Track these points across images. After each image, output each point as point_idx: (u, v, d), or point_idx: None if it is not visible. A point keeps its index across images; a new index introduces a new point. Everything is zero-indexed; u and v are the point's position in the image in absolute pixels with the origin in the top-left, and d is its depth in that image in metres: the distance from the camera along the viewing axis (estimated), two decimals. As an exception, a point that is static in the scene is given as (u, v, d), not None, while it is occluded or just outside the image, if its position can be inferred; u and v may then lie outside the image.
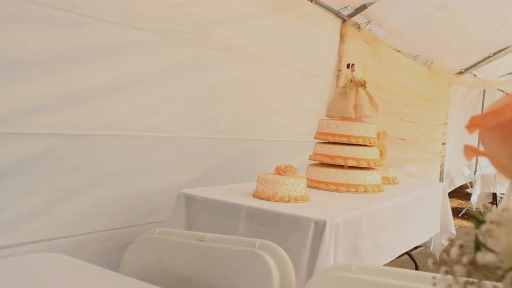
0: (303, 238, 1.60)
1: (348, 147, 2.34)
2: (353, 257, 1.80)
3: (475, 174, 7.10)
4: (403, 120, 4.57)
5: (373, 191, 2.34)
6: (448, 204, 3.10)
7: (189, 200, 1.97)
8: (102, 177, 1.98)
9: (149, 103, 2.12)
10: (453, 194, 7.95)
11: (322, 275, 0.77)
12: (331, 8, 3.35)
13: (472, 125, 0.33)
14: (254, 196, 1.97)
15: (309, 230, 1.61)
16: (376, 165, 2.42)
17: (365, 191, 2.30)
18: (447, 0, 3.81)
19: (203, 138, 2.45)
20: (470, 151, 0.34)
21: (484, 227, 0.31)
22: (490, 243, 0.31)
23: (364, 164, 2.34)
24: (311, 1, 3.10)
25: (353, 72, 2.46)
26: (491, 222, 0.32)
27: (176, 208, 1.99)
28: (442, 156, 5.69)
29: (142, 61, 2.05)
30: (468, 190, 6.50)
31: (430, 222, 2.81)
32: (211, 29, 2.37)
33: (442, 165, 5.74)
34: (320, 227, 1.60)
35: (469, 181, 6.62)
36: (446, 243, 3.11)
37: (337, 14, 3.44)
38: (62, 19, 1.71)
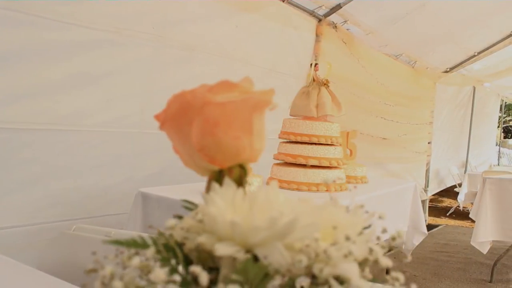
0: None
1: (310, 146, 2.35)
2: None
3: (465, 173, 7.08)
4: (384, 119, 4.58)
5: (335, 190, 2.36)
6: (419, 203, 3.10)
7: (146, 198, 2.01)
8: (56, 170, 2.00)
9: (104, 99, 2.14)
10: (443, 193, 7.94)
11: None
12: (305, 8, 3.36)
13: (158, 121, 0.35)
14: (209, 194, 1.99)
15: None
16: (339, 164, 2.43)
17: (326, 190, 2.32)
18: (425, 0, 3.83)
19: (162, 134, 2.45)
20: (174, 149, 0.37)
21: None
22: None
23: (326, 163, 2.35)
24: (283, 1, 3.11)
25: (317, 72, 2.48)
26: (198, 220, 0.35)
27: (133, 206, 2.02)
28: (428, 155, 5.70)
29: (96, 59, 2.07)
30: (456, 189, 6.51)
31: (395, 220, 2.82)
32: (170, 28, 2.38)
33: (428, 164, 5.75)
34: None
35: (459, 181, 6.61)
36: (417, 242, 3.12)
37: (311, 13, 3.45)
38: (11, 19, 1.73)
